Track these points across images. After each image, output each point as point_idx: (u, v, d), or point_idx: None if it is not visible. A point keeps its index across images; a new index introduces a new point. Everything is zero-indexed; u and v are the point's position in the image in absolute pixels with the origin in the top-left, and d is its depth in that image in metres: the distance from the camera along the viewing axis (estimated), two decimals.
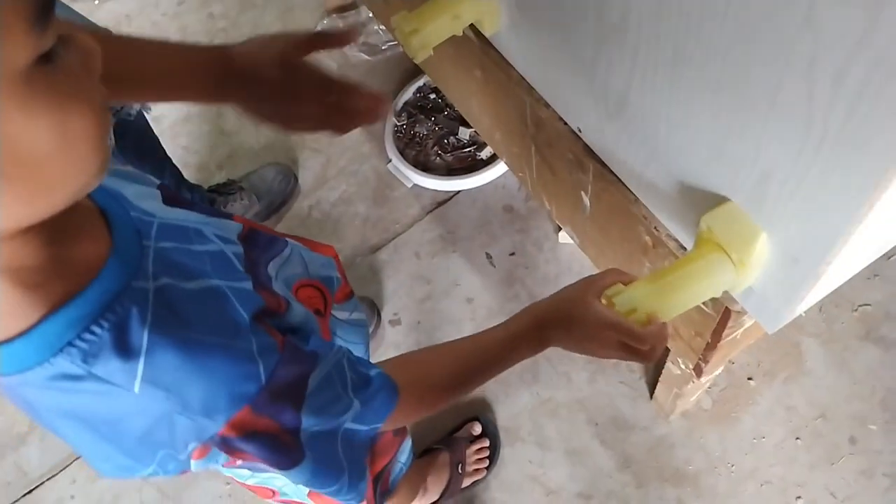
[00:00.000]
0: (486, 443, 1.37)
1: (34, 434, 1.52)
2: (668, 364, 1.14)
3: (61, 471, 1.48)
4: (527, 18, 0.80)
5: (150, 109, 1.31)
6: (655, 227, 0.81)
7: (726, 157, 0.60)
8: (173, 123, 1.85)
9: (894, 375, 1.34)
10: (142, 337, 0.42)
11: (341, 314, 0.88)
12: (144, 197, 0.52)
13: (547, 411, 1.41)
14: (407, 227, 1.64)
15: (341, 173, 1.73)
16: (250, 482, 0.84)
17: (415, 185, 1.66)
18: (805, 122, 0.49)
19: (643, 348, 0.60)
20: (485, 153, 1.64)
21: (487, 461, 1.36)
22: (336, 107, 0.68)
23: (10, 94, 0.32)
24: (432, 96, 1.74)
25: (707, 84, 0.57)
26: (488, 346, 0.66)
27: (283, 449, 0.49)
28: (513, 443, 1.39)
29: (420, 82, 1.76)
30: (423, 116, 1.71)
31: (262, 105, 0.67)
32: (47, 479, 1.48)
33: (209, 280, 0.48)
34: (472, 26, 0.95)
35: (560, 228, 1.53)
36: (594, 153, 0.85)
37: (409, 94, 1.75)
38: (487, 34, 0.88)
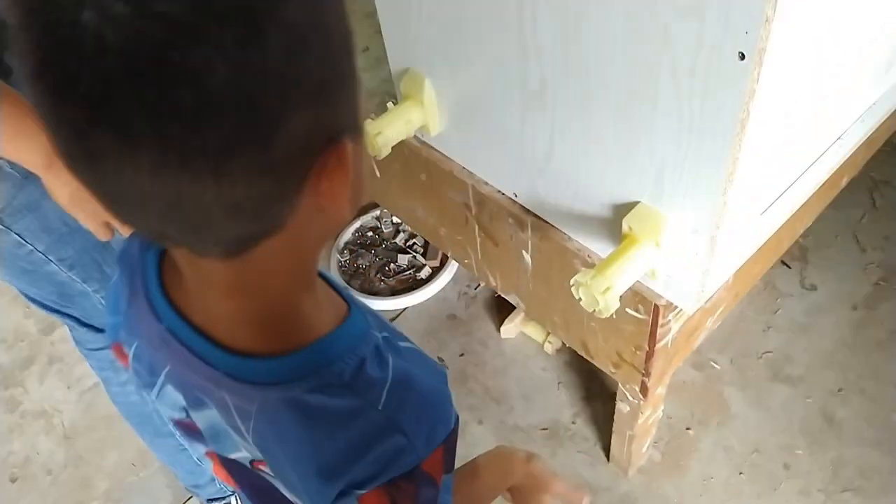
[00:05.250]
0: None
1: None
2: (617, 405, 1.30)
3: None
4: (463, 114, 1.05)
5: None
6: (588, 255, 1.02)
7: (632, 166, 0.83)
8: None
9: (805, 405, 1.56)
10: (388, 365, 0.48)
11: None
12: None
13: None
14: None
15: None
16: None
17: None
18: (677, 113, 0.73)
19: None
20: (423, 273, 1.85)
21: None
22: None
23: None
24: (370, 234, 1.97)
25: (610, 113, 0.81)
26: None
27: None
28: None
29: (357, 224, 1.99)
30: (363, 251, 1.92)
31: None
32: None
33: (406, 340, 0.54)
34: (417, 138, 1.21)
35: (501, 325, 1.72)
36: (530, 211, 1.07)
37: (348, 234, 1.97)
38: (432, 135, 1.12)
